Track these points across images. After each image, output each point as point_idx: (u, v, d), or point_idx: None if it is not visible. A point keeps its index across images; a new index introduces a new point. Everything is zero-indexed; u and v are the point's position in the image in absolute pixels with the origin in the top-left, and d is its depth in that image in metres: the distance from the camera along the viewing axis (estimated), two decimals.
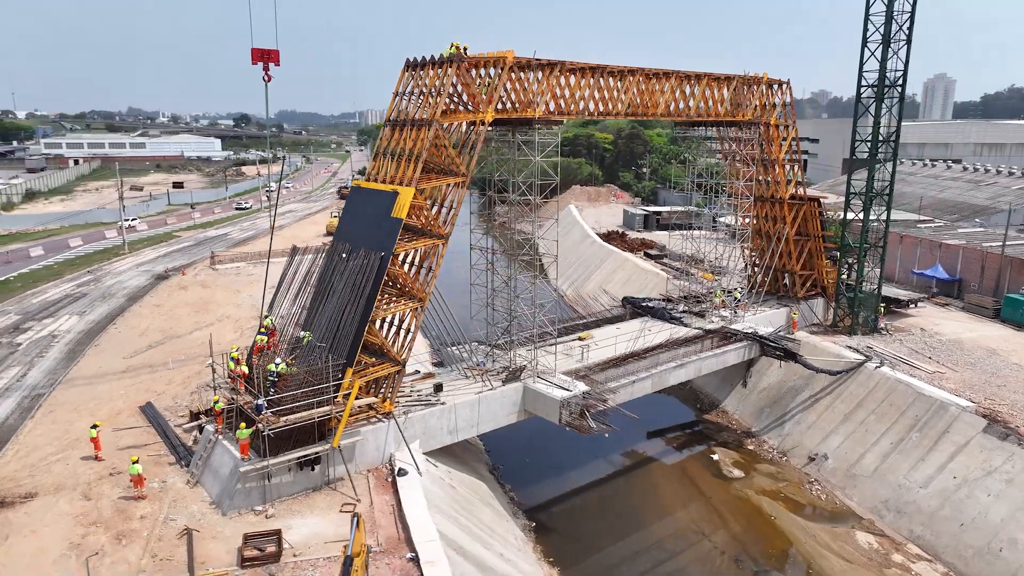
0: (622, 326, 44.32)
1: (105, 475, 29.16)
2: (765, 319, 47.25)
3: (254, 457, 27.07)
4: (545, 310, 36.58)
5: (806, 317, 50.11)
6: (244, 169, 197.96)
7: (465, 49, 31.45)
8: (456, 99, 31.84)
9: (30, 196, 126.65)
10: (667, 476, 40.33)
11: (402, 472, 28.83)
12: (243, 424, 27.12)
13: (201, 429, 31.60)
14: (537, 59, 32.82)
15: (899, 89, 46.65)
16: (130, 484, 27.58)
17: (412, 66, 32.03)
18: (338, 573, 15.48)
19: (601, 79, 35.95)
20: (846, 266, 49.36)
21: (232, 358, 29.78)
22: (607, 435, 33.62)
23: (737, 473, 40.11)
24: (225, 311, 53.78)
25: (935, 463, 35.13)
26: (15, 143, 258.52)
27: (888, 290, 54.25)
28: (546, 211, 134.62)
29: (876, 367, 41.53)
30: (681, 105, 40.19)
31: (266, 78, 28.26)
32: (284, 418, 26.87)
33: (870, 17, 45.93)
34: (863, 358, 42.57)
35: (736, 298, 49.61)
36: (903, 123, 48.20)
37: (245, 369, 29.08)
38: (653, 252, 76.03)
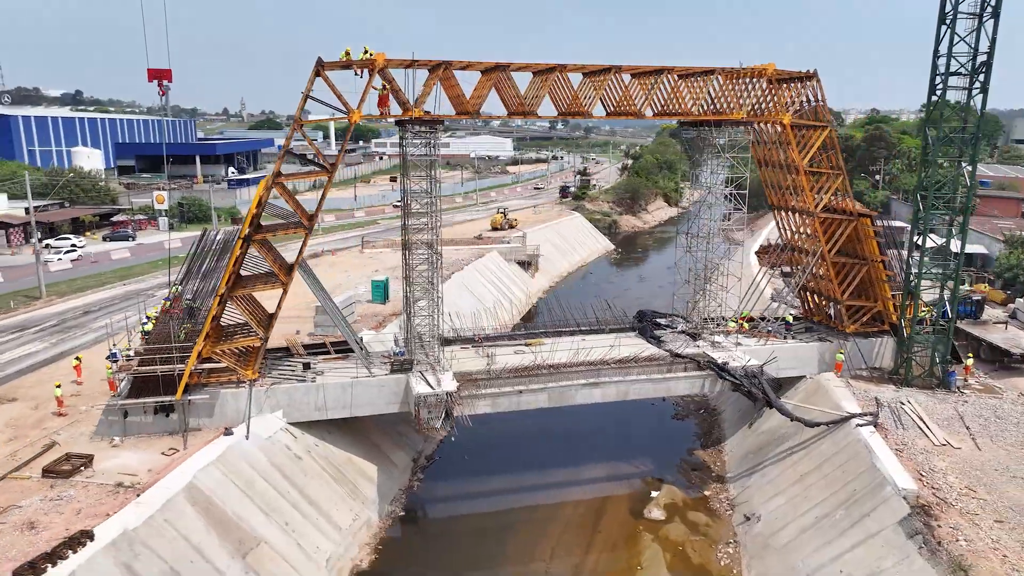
0: (589, 338, 41.57)
1: (68, 396, 37.56)
2: (776, 351, 39.88)
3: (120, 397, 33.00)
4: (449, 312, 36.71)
5: (852, 358, 41.08)
6: (511, 168, 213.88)
7: (369, 53, 33.62)
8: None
9: (317, 185, 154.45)
10: (579, 510, 36.85)
11: (228, 432, 32.36)
12: (108, 365, 33.15)
13: None
14: (415, 60, 33.32)
15: (982, 77, 36.12)
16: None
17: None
18: None
19: (506, 77, 34.75)
20: (910, 300, 39.63)
21: (147, 317, 36.18)
22: (453, 438, 33.26)
23: (657, 515, 35.64)
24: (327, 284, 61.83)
25: (836, 551, 27.88)
26: (360, 142, 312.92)
27: (998, 336, 41.99)
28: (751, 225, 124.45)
29: (858, 425, 33.39)
30: (634, 105, 36.37)
31: (160, 93, 33.65)
32: (135, 368, 32.31)
33: None
34: (847, 413, 34.47)
35: (755, 325, 43.14)
36: None
37: (149, 327, 35.25)
38: (787, 269, 67.01)
